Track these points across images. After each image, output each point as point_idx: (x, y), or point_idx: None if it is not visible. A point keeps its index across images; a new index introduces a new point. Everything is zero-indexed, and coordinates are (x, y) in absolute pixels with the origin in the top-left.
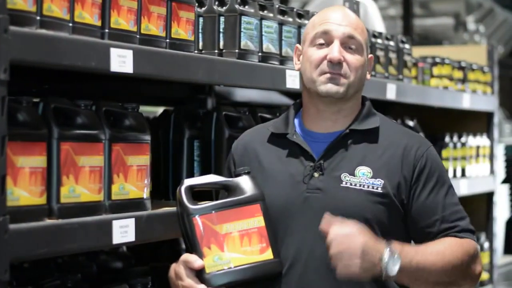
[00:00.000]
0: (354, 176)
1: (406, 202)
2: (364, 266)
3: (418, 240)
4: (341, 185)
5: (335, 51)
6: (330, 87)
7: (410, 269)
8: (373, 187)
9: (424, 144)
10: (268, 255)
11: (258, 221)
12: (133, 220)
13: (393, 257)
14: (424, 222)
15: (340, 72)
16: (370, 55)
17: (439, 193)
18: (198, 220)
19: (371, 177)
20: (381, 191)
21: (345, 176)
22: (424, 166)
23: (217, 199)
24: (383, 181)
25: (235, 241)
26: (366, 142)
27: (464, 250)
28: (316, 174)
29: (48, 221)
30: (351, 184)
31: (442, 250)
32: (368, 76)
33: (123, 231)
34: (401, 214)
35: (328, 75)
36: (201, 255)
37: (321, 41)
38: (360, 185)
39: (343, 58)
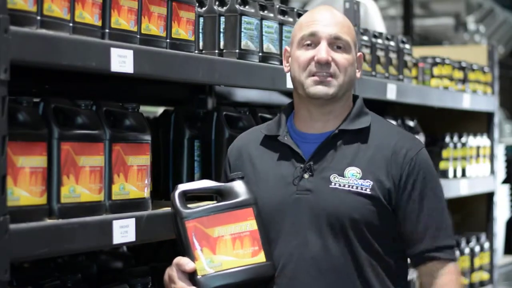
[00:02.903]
0: (343, 177)
1: (395, 204)
2: None
3: (403, 242)
4: (330, 186)
5: (322, 51)
6: (320, 89)
7: None
8: (361, 188)
9: (414, 146)
10: (261, 258)
11: (250, 224)
12: (133, 220)
13: None
14: (406, 228)
15: (329, 72)
16: (359, 53)
17: (424, 202)
18: (190, 224)
19: (360, 178)
20: (369, 192)
21: (334, 177)
22: (412, 171)
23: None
24: (372, 182)
25: (227, 244)
26: (356, 142)
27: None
28: (306, 175)
29: (48, 221)
30: (339, 185)
31: None
32: (358, 75)
33: (123, 231)
34: (391, 215)
35: (316, 78)
36: (193, 258)
37: (308, 42)
38: (349, 186)
39: (331, 58)
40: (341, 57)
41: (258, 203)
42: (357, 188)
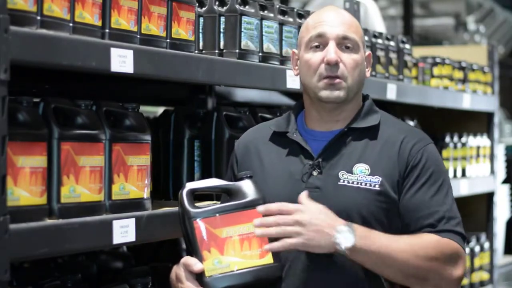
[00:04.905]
0: (352, 173)
1: (398, 197)
2: (310, 235)
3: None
4: (339, 183)
5: (331, 52)
6: (330, 93)
7: (370, 249)
8: (370, 185)
9: (422, 140)
10: (268, 259)
11: None
12: (133, 220)
13: (348, 231)
14: (408, 219)
15: (337, 74)
16: (368, 52)
17: (429, 190)
18: (198, 224)
19: (369, 174)
20: (378, 188)
21: (342, 174)
22: (418, 162)
23: (218, 200)
24: (381, 178)
25: (235, 245)
26: (365, 139)
27: (439, 248)
28: (314, 173)
29: (48, 221)
30: (348, 182)
31: (411, 242)
32: (368, 74)
33: (123, 231)
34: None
35: (327, 81)
36: (201, 258)
37: (316, 44)
38: (357, 183)
39: (340, 59)
40: (350, 58)
41: (266, 199)
42: (365, 184)
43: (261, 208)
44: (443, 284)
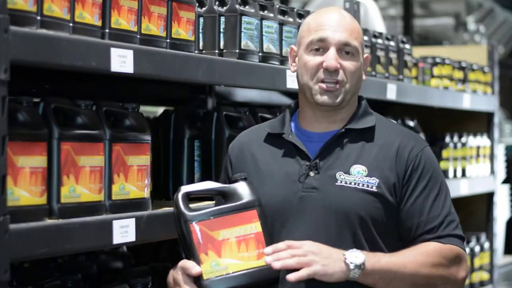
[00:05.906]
0: (349, 174)
1: (399, 201)
2: (324, 261)
3: (404, 241)
4: (336, 183)
5: (331, 59)
6: (327, 98)
7: (380, 266)
8: (367, 186)
9: (419, 144)
10: None
11: (255, 227)
12: (133, 220)
13: (356, 251)
14: (409, 223)
15: (336, 79)
16: (366, 55)
17: (429, 195)
18: (195, 227)
19: (366, 176)
20: (375, 190)
21: (340, 175)
22: (417, 167)
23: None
24: (378, 180)
25: (232, 247)
26: (362, 141)
27: (442, 254)
28: (311, 173)
29: (48, 221)
30: (345, 183)
31: (416, 253)
32: (364, 77)
33: (123, 231)
34: (396, 212)
35: (324, 86)
36: (198, 261)
37: (317, 47)
38: (355, 184)
39: (340, 65)
40: (349, 64)
41: (262, 201)
42: (363, 185)
43: (269, 249)
44: (449, 287)
